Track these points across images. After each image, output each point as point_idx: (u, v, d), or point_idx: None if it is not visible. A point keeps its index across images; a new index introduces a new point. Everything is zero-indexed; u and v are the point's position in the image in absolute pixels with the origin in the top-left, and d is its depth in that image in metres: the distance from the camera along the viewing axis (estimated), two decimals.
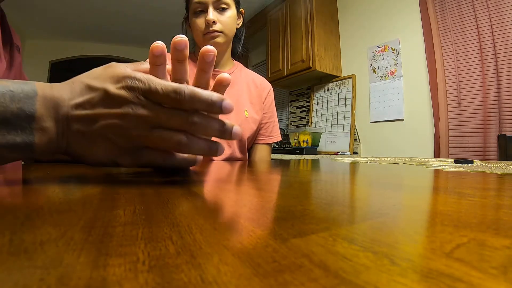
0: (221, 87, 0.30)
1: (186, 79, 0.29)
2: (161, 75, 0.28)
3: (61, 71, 4.21)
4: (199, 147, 0.27)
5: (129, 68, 0.28)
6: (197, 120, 0.25)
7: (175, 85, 0.25)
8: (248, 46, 0.94)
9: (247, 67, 0.95)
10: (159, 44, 0.26)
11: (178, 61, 0.28)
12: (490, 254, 0.08)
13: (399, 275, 0.07)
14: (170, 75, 0.30)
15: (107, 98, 0.25)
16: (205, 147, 0.27)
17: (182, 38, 0.27)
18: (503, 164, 0.59)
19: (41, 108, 0.23)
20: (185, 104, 0.25)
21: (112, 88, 0.25)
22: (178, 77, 0.28)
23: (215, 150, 0.28)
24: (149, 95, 0.25)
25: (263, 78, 0.95)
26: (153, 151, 0.28)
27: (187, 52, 0.28)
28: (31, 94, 0.23)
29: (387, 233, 0.11)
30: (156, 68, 0.27)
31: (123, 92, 0.25)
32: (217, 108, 0.25)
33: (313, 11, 2.18)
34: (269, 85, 0.95)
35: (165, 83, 0.25)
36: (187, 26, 0.84)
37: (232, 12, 0.77)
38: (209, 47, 0.28)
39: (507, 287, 0.06)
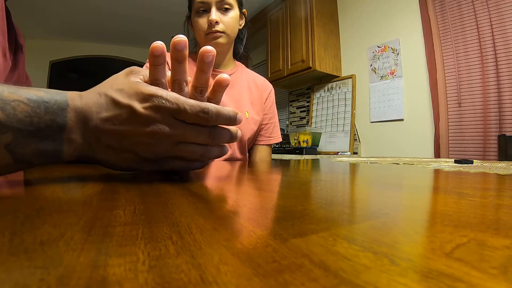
0: (220, 87, 0.29)
1: (185, 80, 0.29)
2: (160, 75, 0.28)
3: (61, 71, 4.21)
4: (216, 154, 0.31)
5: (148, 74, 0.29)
6: (217, 134, 0.29)
7: (203, 104, 0.27)
8: (249, 47, 0.94)
9: (248, 68, 0.94)
10: (158, 44, 0.26)
11: (177, 61, 0.28)
12: (490, 254, 0.08)
13: (399, 275, 0.07)
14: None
15: (134, 117, 0.26)
16: (219, 152, 0.31)
17: (181, 38, 0.27)
18: (503, 164, 0.59)
19: (71, 120, 0.24)
20: (211, 122, 0.28)
21: (139, 107, 0.25)
22: (177, 77, 0.28)
23: (225, 152, 0.32)
24: (177, 115, 0.26)
25: (264, 79, 0.95)
26: (175, 159, 0.30)
27: (186, 52, 0.27)
28: (63, 105, 0.24)
29: (387, 233, 0.11)
30: (156, 68, 0.27)
31: (150, 112, 0.26)
32: (234, 122, 0.29)
33: (313, 11, 2.18)
34: (270, 86, 0.94)
35: (192, 102, 0.27)
36: (189, 25, 0.83)
37: (235, 12, 0.77)
38: (208, 48, 0.27)
39: (507, 287, 0.06)
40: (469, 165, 0.55)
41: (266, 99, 0.91)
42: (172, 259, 0.08)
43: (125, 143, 0.27)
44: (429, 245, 0.09)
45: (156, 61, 0.27)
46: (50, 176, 0.29)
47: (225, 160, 0.77)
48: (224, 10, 0.75)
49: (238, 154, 0.81)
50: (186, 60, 0.28)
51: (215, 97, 0.30)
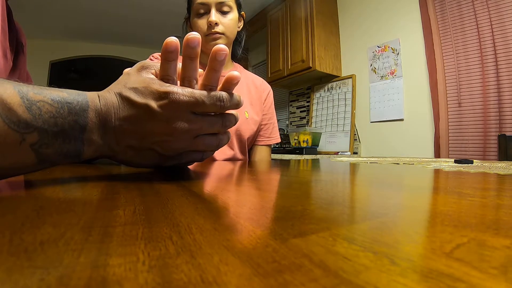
0: (231, 85, 0.29)
1: (195, 77, 0.29)
2: (172, 71, 0.28)
3: (61, 71, 4.21)
4: (226, 141, 0.32)
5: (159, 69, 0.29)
6: (228, 122, 0.30)
7: (217, 93, 0.27)
8: (247, 48, 0.94)
9: (247, 69, 0.95)
10: (173, 39, 0.26)
11: (189, 58, 0.27)
12: (490, 254, 0.08)
13: (399, 275, 0.07)
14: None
15: (152, 116, 0.26)
16: (227, 138, 0.33)
17: (195, 35, 0.26)
18: (503, 164, 0.59)
19: (92, 120, 0.25)
20: (225, 109, 0.28)
21: (155, 105, 0.26)
22: (188, 74, 0.28)
23: (229, 137, 0.33)
24: (195, 108, 0.27)
25: (263, 80, 0.96)
26: (192, 152, 0.31)
27: (199, 49, 0.27)
28: (84, 106, 0.24)
29: (387, 233, 0.11)
30: (168, 64, 0.27)
31: (167, 110, 0.26)
32: (240, 104, 0.30)
33: (313, 11, 2.18)
34: (269, 86, 0.95)
35: (207, 93, 0.27)
36: (187, 27, 0.84)
37: (234, 14, 0.77)
38: (221, 46, 0.27)
39: (507, 287, 0.06)
40: (469, 165, 0.55)
41: (265, 100, 0.91)
42: (172, 259, 0.08)
43: (145, 142, 0.27)
44: (429, 245, 0.09)
45: (169, 57, 0.27)
46: (50, 176, 0.29)
47: (226, 160, 0.77)
48: (223, 12, 0.75)
49: (239, 155, 0.82)
50: (198, 57, 0.28)
51: None
